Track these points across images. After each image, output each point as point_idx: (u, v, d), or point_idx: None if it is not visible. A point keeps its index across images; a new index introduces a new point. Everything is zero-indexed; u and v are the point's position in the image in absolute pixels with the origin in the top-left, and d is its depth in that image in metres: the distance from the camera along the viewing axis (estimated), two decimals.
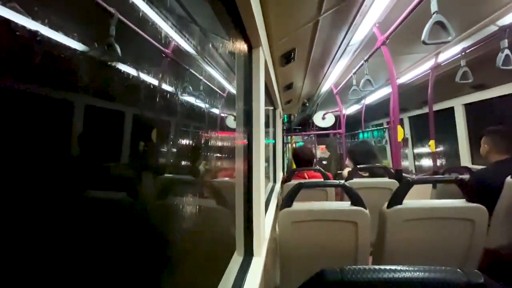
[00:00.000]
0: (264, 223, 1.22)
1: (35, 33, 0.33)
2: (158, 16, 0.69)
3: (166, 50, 0.74)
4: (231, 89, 1.30)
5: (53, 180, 0.39)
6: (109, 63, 0.51)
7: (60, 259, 0.39)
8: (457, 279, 0.35)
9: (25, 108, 0.34)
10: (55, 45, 0.39)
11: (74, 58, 0.41)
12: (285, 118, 6.16)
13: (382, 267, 0.37)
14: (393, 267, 0.37)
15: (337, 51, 2.14)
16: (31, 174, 0.35)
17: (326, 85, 3.75)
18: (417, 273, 0.36)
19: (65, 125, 0.44)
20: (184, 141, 0.84)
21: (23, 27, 0.32)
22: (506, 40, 1.82)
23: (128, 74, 0.59)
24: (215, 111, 1.17)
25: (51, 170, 0.38)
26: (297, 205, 1.22)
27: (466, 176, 2.00)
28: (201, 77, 1.03)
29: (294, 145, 6.61)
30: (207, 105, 1.06)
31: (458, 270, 0.36)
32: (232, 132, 1.18)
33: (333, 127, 5.39)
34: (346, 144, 4.98)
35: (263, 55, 1.15)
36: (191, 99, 0.93)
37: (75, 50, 0.40)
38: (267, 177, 3.30)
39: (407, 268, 0.37)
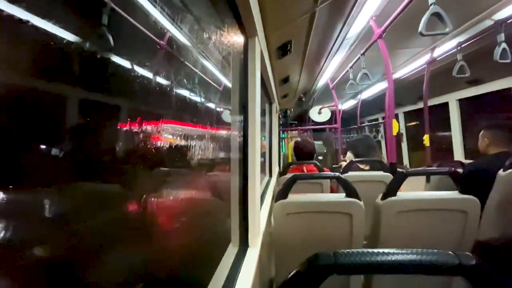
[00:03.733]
0: (259, 215, 1.23)
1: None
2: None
3: (154, 37, 0.72)
4: (227, 81, 1.29)
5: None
6: (96, 53, 0.50)
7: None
8: (449, 261, 0.35)
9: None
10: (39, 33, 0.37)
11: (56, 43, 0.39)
12: (282, 113, 6.15)
13: (375, 250, 0.37)
14: (385, 250, 0.37)
15: (333, 44, 2.13)
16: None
17: (323, 80, 3.75)
18: (410, 255, 0.36)
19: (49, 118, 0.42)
20: (178, 134, 0.82)
21: None
22: (502, 34, 1.82)
23: (116, 65, 0.57)
24: (208, 103, 1.16)
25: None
26: (291, 197, 1.22)
27: (459, 171, 2.03)
28: (195, 69, 1.01)
29: (290, 140, 6.61)
30: (200, 98, 1.04)
31: (450, 252, 0.36)
32: (228, 125, 1.17)
33: (329, 122, 5.41)
34: (342, 139, 5.00)
35: (259, 45, 1.13)
36: (185, 92, 0.91)
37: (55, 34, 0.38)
38: (263, 171, 3.30)
39: (400, 251, 0.37)
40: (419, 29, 1.36)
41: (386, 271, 0.36)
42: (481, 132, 1.84)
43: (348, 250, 0.37)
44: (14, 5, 0.31)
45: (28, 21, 0.33)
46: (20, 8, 0.32)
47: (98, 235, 0.51)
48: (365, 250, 0.37)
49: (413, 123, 4.34)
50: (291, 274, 0.40)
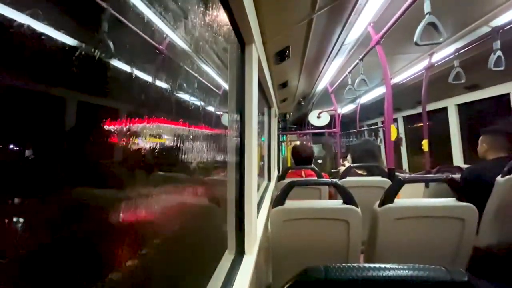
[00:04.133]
0: (256, 221, 1.22)
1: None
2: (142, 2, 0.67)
3: (152, 41, 0.72)
4: (224, 87, 1.29)
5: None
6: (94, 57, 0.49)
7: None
8: (442, 277, 0.35)
9: None
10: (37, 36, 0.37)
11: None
12: (281, 117, 6.16)
13: (367, 265, 0.37)
14: (377, 265, 0.36)
15: (332, 49, 2.14)
16: None
17: (322, 84, 3.76)
18: (402, 271, 0.36)
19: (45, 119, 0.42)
20: (174, 139, 0.82)
21: None
22: (498, 41, 1.83)
23: (114, 69, 0.57)
24: (205, 108, 1.16)
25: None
26: (289, 204, 1.22)
27: (457, 176, 2.02)
28: (192, 74, 1.01)
29: (290, 143, 6.61)
30: (198, 102, 1.04)
31: (443, 268, 0.36)
32: (225, 130, 1.17)
33: (328, 126, 5.41)
34: (341, 143, 5.00)
35: (256, 52, 1.14)
36: (182, 96, 0.91)
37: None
38: (261, 175, 3.30)
39: (392, 266, 0.36)
40: (415, 39, 1.37)
41: (377, 286, 0.36)
42: (481, 137, 1.83)
43: (339, 264, 0.37)
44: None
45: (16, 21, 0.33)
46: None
47: (92, 239, 0.51)
48: (356, 264, 0.37)
49: (413, 128, 4.34)
50: (283, 286, 0.40)
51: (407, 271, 0.36)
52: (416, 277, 0.35)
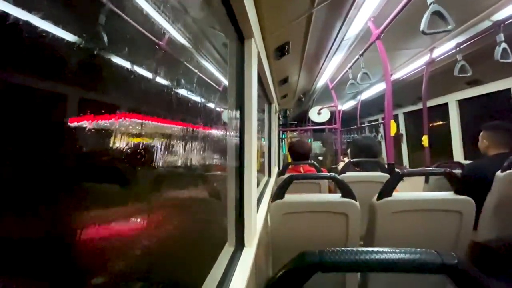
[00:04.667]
0: (256, 215, 1.23)
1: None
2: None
3: (148, 34, 0.73)
4: (224, 82, 1.29)
5: None
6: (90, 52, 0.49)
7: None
8: (432, 260, 0.36)
9: None
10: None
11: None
12: (281, 113, 6.16)
13: (360, 249, 0.38)
14: (370, 249, 0.37)
15: (332, 45, 2.14)
16: None
17: (322, 80, 3.75)
18: (394, 254, 0.37)
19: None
20: (176, 134, 0.83)
21: None
22: (502, 34, 1.83)
23: (112, 64, 0.57)
24: (206, 104, 1.17)
25: None
26: (288, 197, 1.23)
27: (458, 171, 2.03)
28: (190, 69, 1.01)
29: (290, 140, 6.62)
30: (197, 98, 1.05)
31: (434, 251, 0.37)
32: (224, 125, 1.18)
33: (328, 122, 5.41)
34: (341, 139, 5.01)
35: (256, 47, 1.14)
36: (182, 92, 0.91)
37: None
38: (262, 172, 3.31)
39: (384, 250, 0.37)
40: (421, 28, 1.36)
41: (371, 269, 0.37)
42: (481, 133, 1.83)
43: (334, 248, 0.38)
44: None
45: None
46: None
47: (96, 231, 0.52)
48: (350, 248, 0.38)
49: (414, 124, 4.33)
50: (280, 271, 0.41)
51: (399, 254, 0.37)
52: (408, 260, 0.36)
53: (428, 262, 0.36)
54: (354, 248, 0.38)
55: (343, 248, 0.38)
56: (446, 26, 1.35)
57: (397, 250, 0.37)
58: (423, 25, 1.37)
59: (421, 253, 0.37)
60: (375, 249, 0.37)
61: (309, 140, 6.98)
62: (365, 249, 0.37)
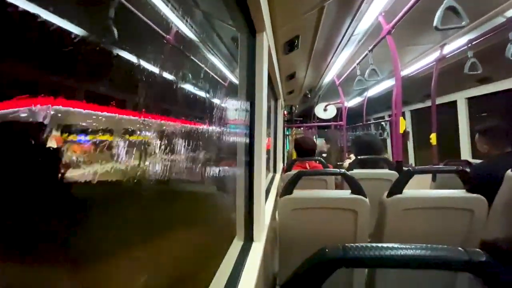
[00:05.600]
0: (265, 209, 1.23)
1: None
2: None
3: (160, 31, 0.72)
4: (233, 78, 1.28)
5: None
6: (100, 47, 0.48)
7: None
8: (459, 257, 0.35)
9: None
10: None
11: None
12: (287, 109, 6.13)
13: (384, 244, 0.37)
14: (395, 245, 0.37)
15: (341, 40, 2.11)
16: None
17: (329, 76, 3.72)
18: (419, 250, 0.36)
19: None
20: (190, 130, 0.83)
21: None
22: None
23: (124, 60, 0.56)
24: (216, 100, 1.16)
25: None
26: (297, 193, 1.23)
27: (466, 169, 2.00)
28: (202, 64, 1.01)
29: (295, 137, 6.59)
30: (209, 94, 1.04)
31: (460, 248, 0.36)
32: (234, 120, 1.18)
33: (334, 119, 5.38)
34: (347, 136, 4.98)
35: (267, 41, 1.13)
36: (191, 88, 0.91)
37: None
38: (267, 168, 3.31)
39: (408, 246, 0.37)
40: (434, 23, 1.34)
41: (394, 265, 0.36)
42: (476, 137, 1.78)
43: (357, 244, 0.37)
44: None
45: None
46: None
47: (101, 226, 0.52)
48: (373, 244, 0.37)
49: (421, 122, 4.28)
50: (300, 266, 0.41)
51: (424, 250, 0.36)
52: (433, 256, 0.35)
53: (454, 259, 0.35)
54: (379, 244, 0.37)
55: (367, 244, 0.37)
56: (460, 22, 1.33)
57: (422, 246, 0.37)
58: (436, 20, 1.34)
59: (447, 250, 0.36)
60: (400, 245, 0.37)
61: (314, 136, 6.94)
62: (390, 245, 0.37)
